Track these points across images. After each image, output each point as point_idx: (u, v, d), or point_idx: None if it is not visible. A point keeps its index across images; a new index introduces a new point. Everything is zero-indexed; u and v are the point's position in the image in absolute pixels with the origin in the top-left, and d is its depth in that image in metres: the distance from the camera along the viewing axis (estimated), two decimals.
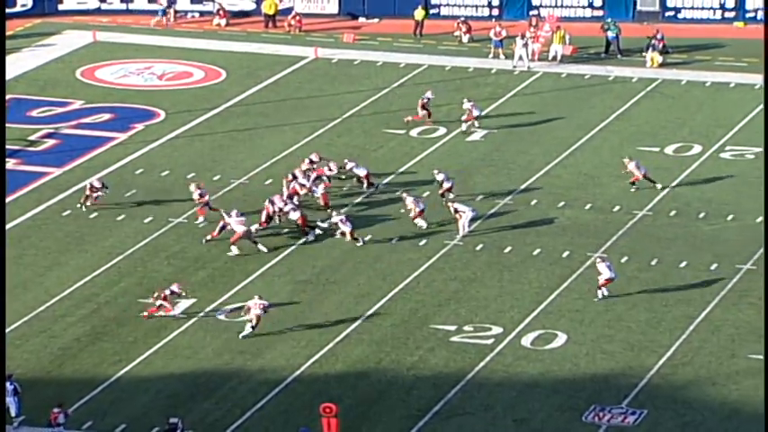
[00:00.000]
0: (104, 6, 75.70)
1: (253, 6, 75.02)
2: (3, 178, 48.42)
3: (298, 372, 44.22)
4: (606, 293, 47.00)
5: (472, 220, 51.72)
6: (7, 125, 61.48)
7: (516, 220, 53.06)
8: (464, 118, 60.60)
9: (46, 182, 56.86)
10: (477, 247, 51.00)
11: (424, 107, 60.69)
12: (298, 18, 73.71)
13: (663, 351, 44.65)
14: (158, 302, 46.44)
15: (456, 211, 51.78)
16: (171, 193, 55.76)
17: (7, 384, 41.21)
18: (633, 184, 54.56)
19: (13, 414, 41.15)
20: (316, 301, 47.94)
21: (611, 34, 68.87)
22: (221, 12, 74.45)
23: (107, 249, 51.34)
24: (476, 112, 60.46)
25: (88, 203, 54.34)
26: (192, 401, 42.44)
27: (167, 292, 46.56)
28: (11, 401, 41.14)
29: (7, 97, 64.67)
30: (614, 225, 52.42)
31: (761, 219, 52.42)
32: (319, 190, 53.52)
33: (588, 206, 54.03)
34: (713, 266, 49.41)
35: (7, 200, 54.75)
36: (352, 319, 46.85)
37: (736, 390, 42.82)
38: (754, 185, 55.40)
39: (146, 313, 46.56)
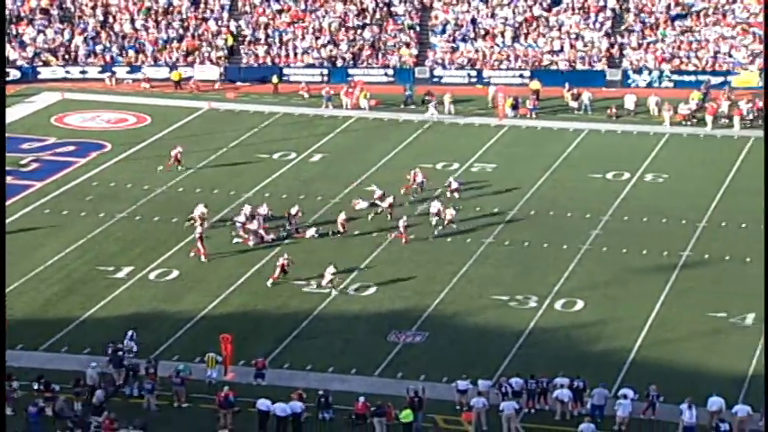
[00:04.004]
0: (68, 76, 74.05)
1: (167, 75, 74.01)
2: (3, 179, 45.66)
3: (203, 312, 43.97)
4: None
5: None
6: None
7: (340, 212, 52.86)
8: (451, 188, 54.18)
9: (32, 192, 55.60)
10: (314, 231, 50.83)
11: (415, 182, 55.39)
12: (197, 83, 72.95)
13: (437, 295, 44.94)
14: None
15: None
16: (116, 197, 54.85)
17: (131, 332, 40.73)
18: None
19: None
20: (211, 267, 47.52)
21: (408, 92, 68.97)
22: (146, 78, 73.45)
23: (74, 235, 50.48)
24: (455, 185, 54.28)
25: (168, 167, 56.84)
26: (137, 333, 41.85)
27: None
28: (132, 344, 40.47)
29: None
30: (401, 212, 52.47)
31: (496, 209, 52.85)
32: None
33: (390, 199, 53.53)
34: (467, 240, 49.60)
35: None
36: (237, 277, 46.57)
37: (483, 318, 43.37)
38: (490, 188, 55.36)
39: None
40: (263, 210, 51.01)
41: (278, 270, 45.74)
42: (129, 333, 40.89)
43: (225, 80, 72.96)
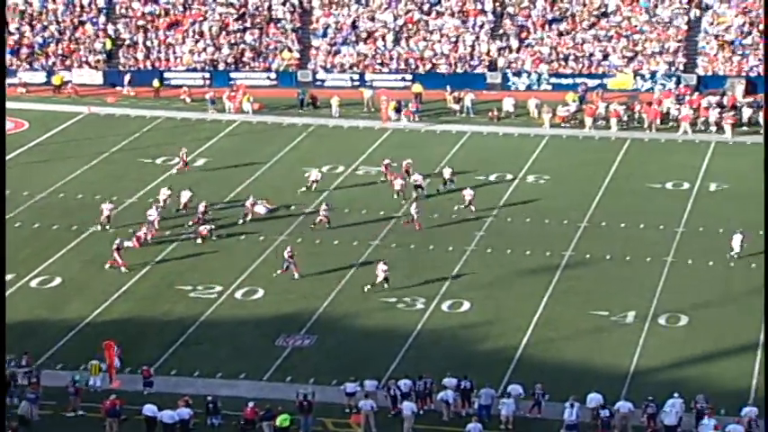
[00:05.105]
0: None
1: (45, 79, 72.53)
2: (3, 178, 42.94)
3: (88, 319, 43.30)
4: None
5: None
6: None
7: (234, 215, 52.16)
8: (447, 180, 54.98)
9: None
10: (213, 234, 50.32)
11: (407, 171, 55.81)
12: (75, 87, 71.64)
13: (326, 297, 44.85)
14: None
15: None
16: None
17: (116, 348, 39.40)
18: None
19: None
20: (95, 274, 46.78)
21: (301, 96, 68.67)
22: (22, 83, 71.89)
23: None
24: (447, 174, 55.18)
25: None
26: (21, 341, 40.82)
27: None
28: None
29: None
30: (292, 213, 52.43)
31: (382, 212, 53.03)
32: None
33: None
34: (354, 243, 49.64)
35: None
36: (121, 284, 45.89)
37: (371, 320, 43.42)
38: (377, 191, 55.36)
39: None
40: (204, 207, 51.20)
41: (286, 264, 45.84)
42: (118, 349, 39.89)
43: (133, 84, 71.54)
